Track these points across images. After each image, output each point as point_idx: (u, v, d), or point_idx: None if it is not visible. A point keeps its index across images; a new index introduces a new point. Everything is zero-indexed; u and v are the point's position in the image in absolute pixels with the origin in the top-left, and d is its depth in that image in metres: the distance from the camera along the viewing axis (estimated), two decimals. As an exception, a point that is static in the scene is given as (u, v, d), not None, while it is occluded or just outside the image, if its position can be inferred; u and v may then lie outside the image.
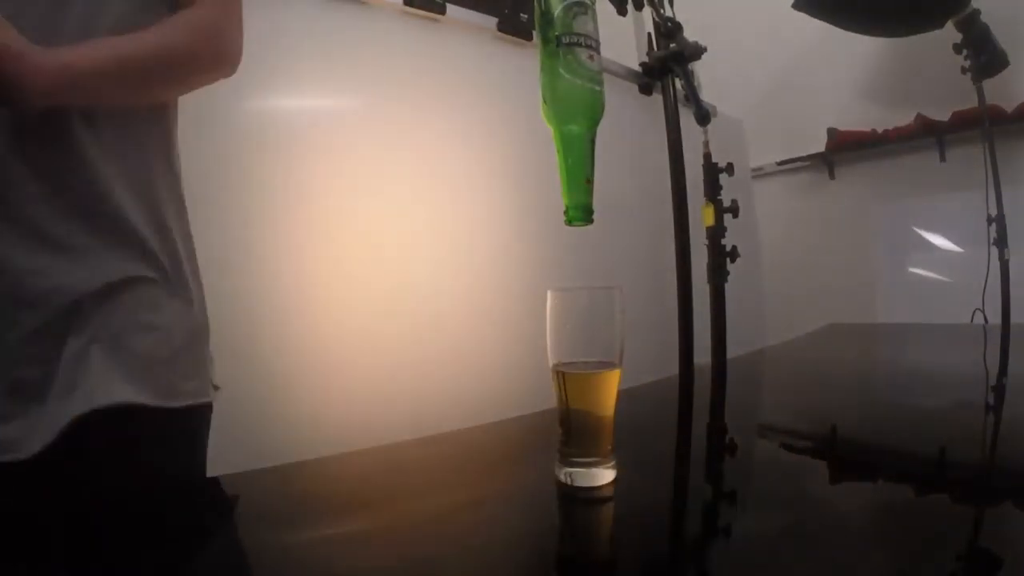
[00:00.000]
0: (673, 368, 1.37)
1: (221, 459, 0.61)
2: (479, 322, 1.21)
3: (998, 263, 1.89)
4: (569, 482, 0.45)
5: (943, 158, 2.17)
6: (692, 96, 1.26)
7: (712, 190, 1.44)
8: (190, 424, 0.58)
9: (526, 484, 0.51)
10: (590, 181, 0.46)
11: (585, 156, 0.45)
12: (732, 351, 1.43)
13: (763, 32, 2.47)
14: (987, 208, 1.91)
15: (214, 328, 0.63)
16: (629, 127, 1.57)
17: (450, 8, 1.20)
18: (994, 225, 1.89)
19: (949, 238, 2.20)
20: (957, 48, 1.88)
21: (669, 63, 1.36)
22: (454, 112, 1.21)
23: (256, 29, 0.97)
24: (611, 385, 0.45)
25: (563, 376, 0.45)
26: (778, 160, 2.54)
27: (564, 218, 0.46)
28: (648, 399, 0.85)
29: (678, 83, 1.41)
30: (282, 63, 0.99)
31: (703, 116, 1.25)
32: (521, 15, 1.31)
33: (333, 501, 0.50)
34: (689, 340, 1.37)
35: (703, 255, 1.43)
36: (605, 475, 0.45)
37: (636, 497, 0.46)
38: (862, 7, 1.95)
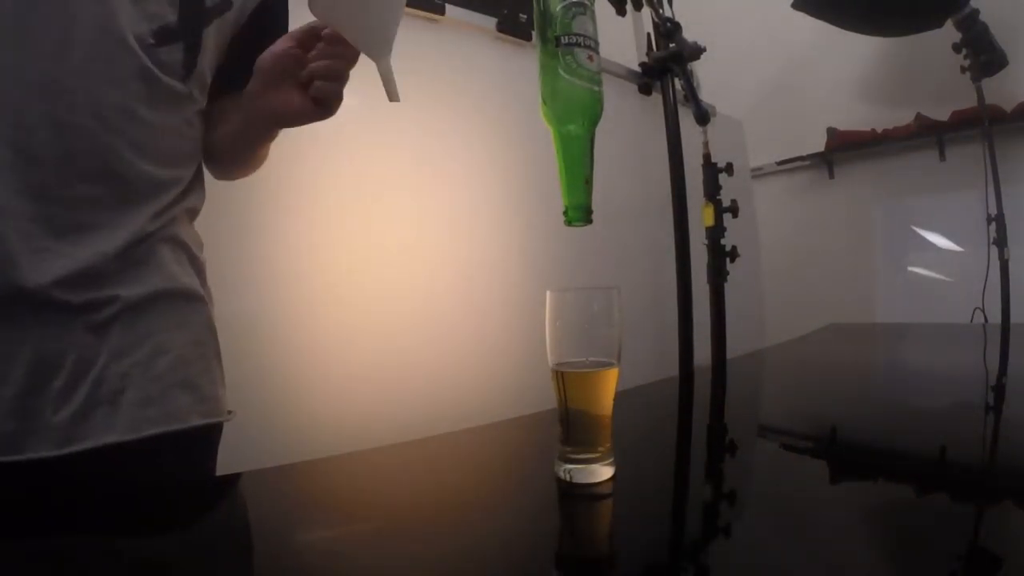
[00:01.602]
0: (673, 368, 1.37)
1: (223, 459, 0.61)
2: (479, 322, 1.21)
3: (998, 262, 1.89)
4: (568, 479, 0.45)
5: (943, 158, 2.17)
6: (691, 96, 1.26)
7: (712, 190, 1.44)
8: None
9: (525, 482, 0.51)
10: (589, 181, 0.46)
11: (584, 156, 0.45)
12: (732, 351, 1.43)
13: (762, 32, 2.47)
14: (987, 207, 1.91)
15: (217, 328, 0.63)
16: (629, 127, 1.57)
17: (449, 8, 1.20)
18: (994, 224, 1.89)
19: (949, 238, 2.20)
20: (956, 48, 1.88)
21: (668, 63, 1.36)
22: (453, 112, 1.21)
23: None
24: (610, 384, 0.45)
25: (562, 376, 0.45)
26: (778, 160, 2.54)
27: (563, 218, 0.46)
28: (648, 399, 0.85)
29: (677, 83, 1.41)
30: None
31: (702, 116, 1.25)
32: (520, 15, 1.31)
33: (333, 501, 0.50)
34: (689, 340, 1.37)
35: (703, 255, 1.44)
36: (603, 472, 0.45)
37: (634, 494, 0.46)
38: (862, 7, 1.95)
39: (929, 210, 2.24)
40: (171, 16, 0.50)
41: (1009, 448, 0.57)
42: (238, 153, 0.63)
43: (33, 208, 0.45)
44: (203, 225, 0.63)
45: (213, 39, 0.55)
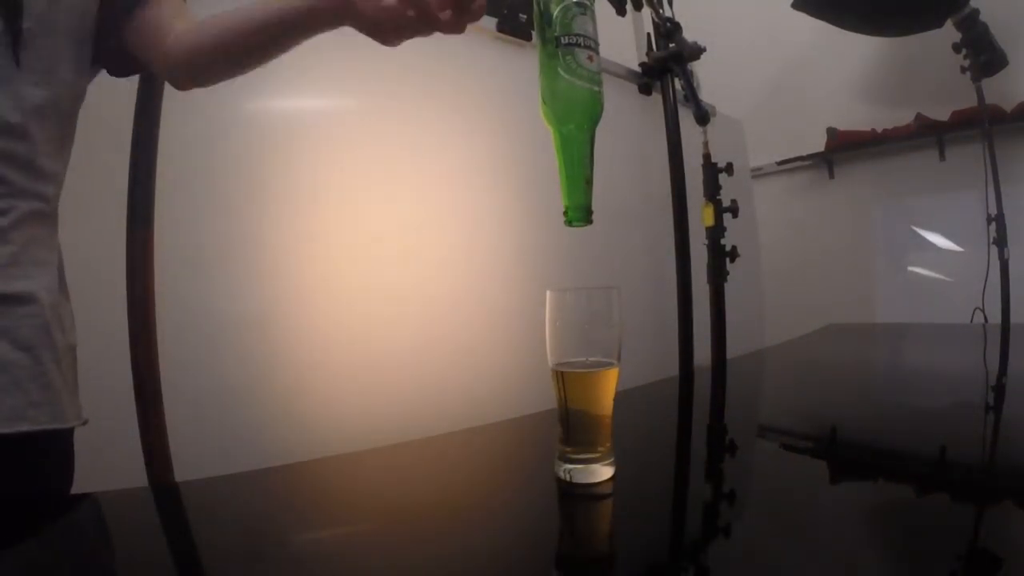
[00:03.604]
0: (673, 368, 1.38)
1: (223, 459, 0.61)
2: (479, 322, 1.21)
3: (998, 262, 1.89)
4: (568, 479, 0.45)
5: (943, 158, 2.17)
6: (691, 96, 1.26)
7: (712, 190, 1.44)
8: None
9: (525, 482, 0.51)
10: (589, 182, 0.45)
11: (584, 156, 0.45)
12: (732, 351, 1.43)
13: (763, 32, 2.47)
14: (987, 207, 1.91)
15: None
16: (629, 127, 1.57)
17: (449, 8, 1.20)
18: (994, 224, 1.89)
19: (949, 238, 2.20)
20: (956, 48, 1.88)
21: (668, 63, 1.36)
22: (453, 112, 1.21)
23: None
24: (609, 384, 0.45)
25: (562, 376, 0.45)
26: (778, 160, 2.54)
27: (563, 219, 0.46)
28: (648, 399, 0.85)
29: (677, 83, 1.41)
30: (280, 63, 0.99)
31: (702, 116, 1.26)
32: (520, 15, 1.31)
33: (333, 502, 0.50)
34: (689, 340, 1.37)
35: (703, 255, 1.44)
36: (603, 472, 0.45)
37: (634, 494, 0.46)
38: (862, 7, 1.95)
39: (929, 210, 2.24)
40: None
41: (1009, 448, 0.57)
42: (260, 47, 0.58)
43: None
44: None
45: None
